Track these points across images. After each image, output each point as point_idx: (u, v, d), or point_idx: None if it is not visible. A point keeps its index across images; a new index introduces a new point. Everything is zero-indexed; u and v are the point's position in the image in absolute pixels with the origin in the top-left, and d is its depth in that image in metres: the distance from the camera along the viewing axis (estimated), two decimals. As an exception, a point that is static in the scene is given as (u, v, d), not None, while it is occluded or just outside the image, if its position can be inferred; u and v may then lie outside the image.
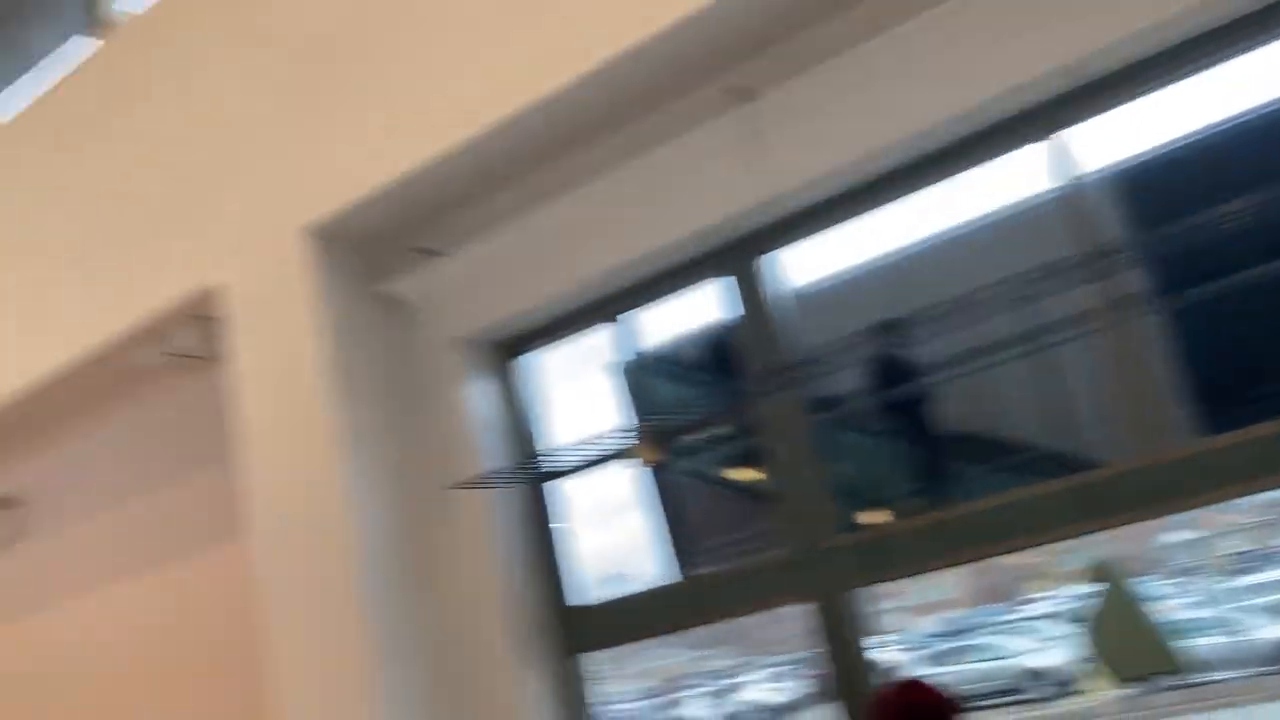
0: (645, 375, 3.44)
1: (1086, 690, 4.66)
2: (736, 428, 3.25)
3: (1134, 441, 2.51)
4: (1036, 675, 5.07)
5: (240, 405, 3.47)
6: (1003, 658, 5.27)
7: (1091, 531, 2.51)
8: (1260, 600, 4.82)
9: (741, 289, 3.09)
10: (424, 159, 3.12)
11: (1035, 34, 2.49)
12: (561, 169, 3.19)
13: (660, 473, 3.34)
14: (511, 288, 3.37)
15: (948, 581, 5.67)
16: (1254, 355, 2.65)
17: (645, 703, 6.32)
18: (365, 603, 2.99)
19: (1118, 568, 2.65)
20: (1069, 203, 2.64)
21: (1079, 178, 2.64)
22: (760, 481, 3.06)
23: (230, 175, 3.63)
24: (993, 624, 5.58)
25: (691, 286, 3.22)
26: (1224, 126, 2.69)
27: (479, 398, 3.43)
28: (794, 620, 2.93)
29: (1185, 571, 4.95)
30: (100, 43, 4.53)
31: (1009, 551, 2.65)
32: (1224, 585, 4.94)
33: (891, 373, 2.92)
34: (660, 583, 3.21)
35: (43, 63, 5.28)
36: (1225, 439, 2.38)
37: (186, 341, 4.01)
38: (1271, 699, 4.44)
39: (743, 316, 3.08)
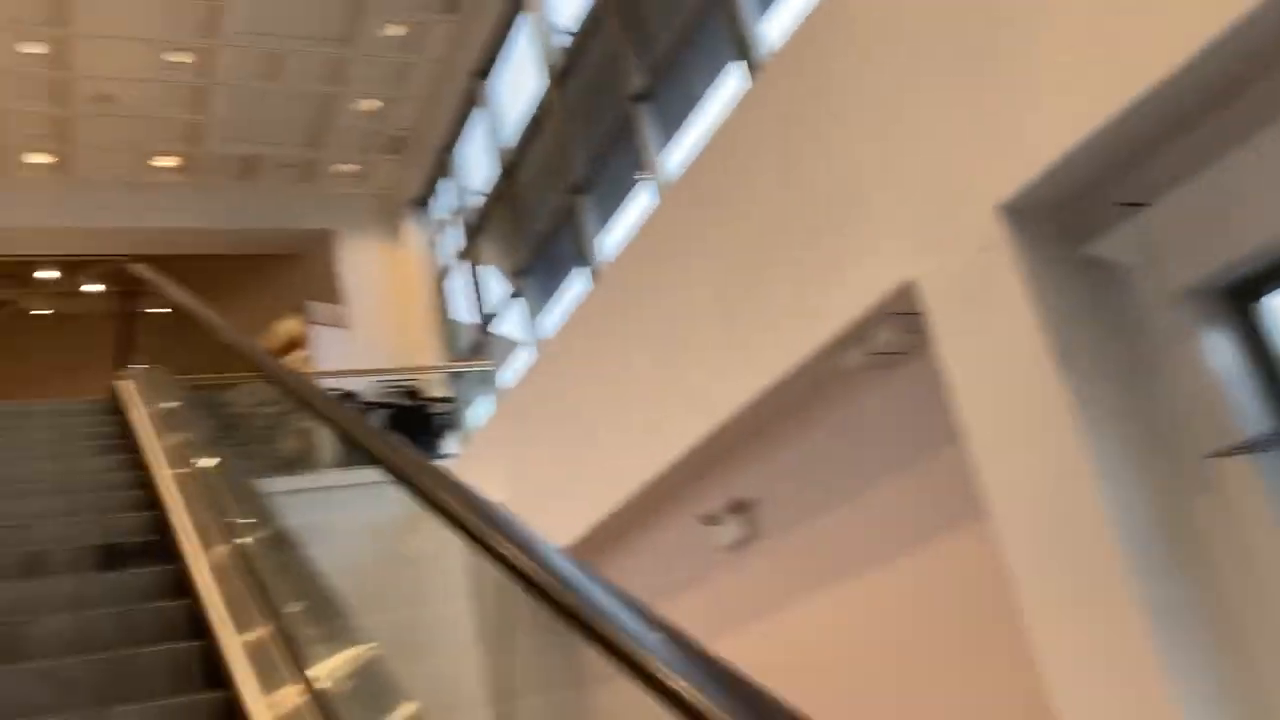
0: None
1: None
2: None
3: None
4: None
5: (958, 393, 3.63)
6: None
7: None
8: None
9: None
10: (1109, 113, 3.01)
11: None
12: (1264, 95, 2.84)
13: None
14: (1233, 227, 3.06)
15: None
16: None
17: None
18: (1132, 582, 2.92)
19: None
20: None
21: None
22: None
23: (910, 172, 3.85)
24: None
25: None
26: None
27: (1216, 353, 3.17)
28: None
29: None
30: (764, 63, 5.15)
31: None
32: None
33: None
34: None
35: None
36: None
37: (887, 338, 4.34)
38: None
39: None
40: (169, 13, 9.33)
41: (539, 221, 9.48)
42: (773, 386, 4.84)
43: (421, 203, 12.50)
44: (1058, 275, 3.36)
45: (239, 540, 3.31)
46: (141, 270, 6.85)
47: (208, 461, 4.37)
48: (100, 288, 13.96)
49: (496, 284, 10.81)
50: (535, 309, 9.46)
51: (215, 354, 10.22)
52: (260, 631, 2.68)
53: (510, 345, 10.45)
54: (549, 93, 8.98)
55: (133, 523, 3.87)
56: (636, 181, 7.89)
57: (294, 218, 12.20)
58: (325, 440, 8.53)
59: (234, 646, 2.66)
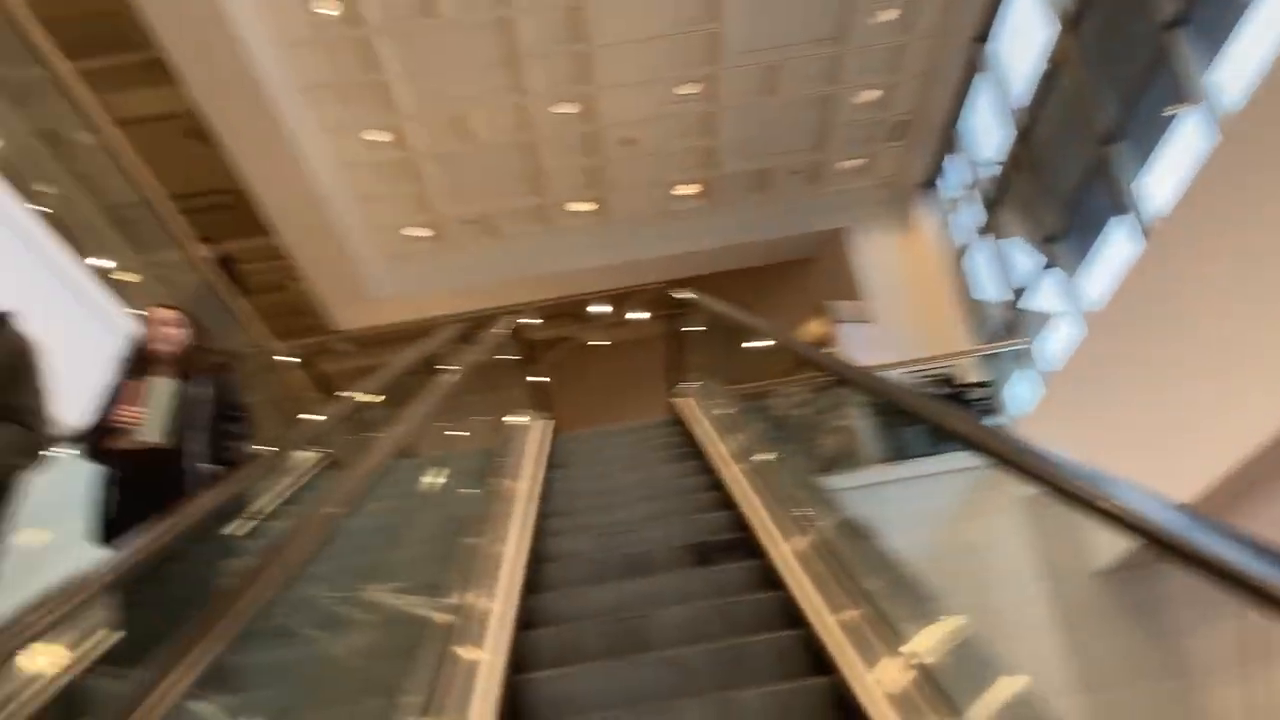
0: None
1: None
2: None
3: None
4: None
5: None
6: None
7: None
8: None
9: None
10: None
11: None
12: None
13: None
14: None
15: None
16: None
17: None
18: None
19: None
20: None
21: None
22: None
23: None
24: None
25: None
26: None
27: None
28: None
29: None
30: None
31: None
32: None
33: None
34: None
35: None
36: None
37: None
38: None
39: None
40: (675, 49, 10.25)
41: (1065, 181, 8.90)
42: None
43: (930, 185, 12.36)
44: None
45: (813, 532, 3.51)
46: (683, 293, 7.55)
47: (768, 461, 4.71)
48: (644, 315, 15.67)
49: (1022, 255, 10.33)
50: (1070, 276, 8.88)
51: (755, 363, 10.98)
52: (853, 615, 2.81)
53: (1045, 318, 9.91)
54: (1061, 40, 8.41)
55: (714, 522, 4.28)
56: (1174, 119, 7.10)
57: (806, 221, 12.71)
58: (868, 436, 8.74)
59: (832, 632, 2.82)
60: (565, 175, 11.86)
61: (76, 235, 6.20)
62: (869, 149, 12.06)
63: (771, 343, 5.94)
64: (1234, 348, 5.27)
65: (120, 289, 6.55)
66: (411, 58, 9.84)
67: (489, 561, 3.64)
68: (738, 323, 6.44)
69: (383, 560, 3.47)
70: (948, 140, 11.47)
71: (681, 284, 8.31)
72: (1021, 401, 9.86)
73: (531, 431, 6.42)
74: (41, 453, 2.67)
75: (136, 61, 9.40)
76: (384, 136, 10.66)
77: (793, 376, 10.57)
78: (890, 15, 10.03)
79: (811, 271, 13.57)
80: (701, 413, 6.46)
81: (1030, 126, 9.42)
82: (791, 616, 3.13)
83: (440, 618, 2.98)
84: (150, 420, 3.51)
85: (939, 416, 2.73)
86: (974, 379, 9.88)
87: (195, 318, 3.86)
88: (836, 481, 5.88)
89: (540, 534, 4.35)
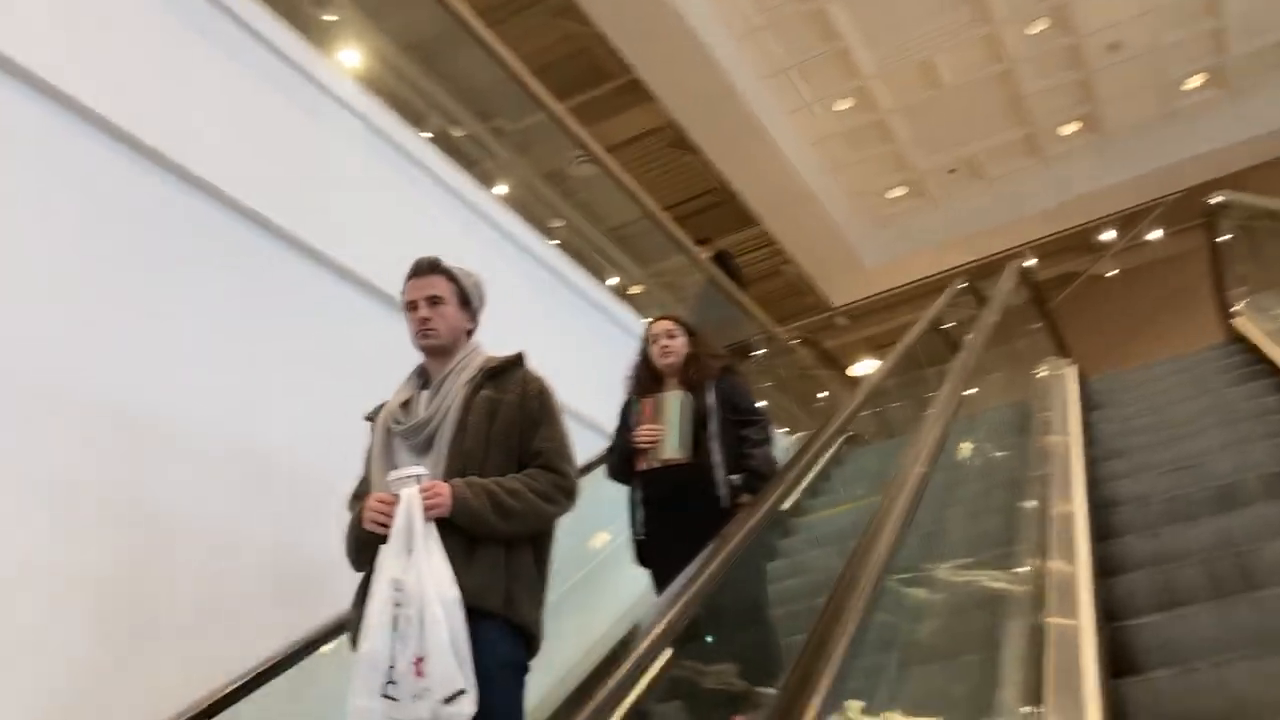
0: None
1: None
2: None
3: None
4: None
5: None
6: None
7: None
8: None
9: None
10: None
11: None
12: None
13: None
14: None
15: None
16: None
17: None
18: None
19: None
20: None
21: None
22: None
23: None
24: None
25: None
26: None
27: None
28: None
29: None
30: None
31: None
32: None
33: None
34: None
35: None
36: None
37: None
38: None
39: None
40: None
41: None
42: None
43: None
44: None
45: None
46: (1220, 195, 6.85)
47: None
48: (1160, 233, 14.33)
49: None
50: None
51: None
52: None
53: None
54: None
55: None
56: None
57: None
58: None
59: None
60: (1049, 98, 11.22)
61: (588, 260, 7.08)
62: None
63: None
64: None
65: (633, 301, 7.37)
66: (865, 16, 9.91)
67: (1049, 521, 3.59)
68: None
69: (942, 536, 3.54)
70: None
71: (1201, 190, 7.54)
72: None
73: (1062, 382, 6.18)
74: (572, 495, 2.62)
75: (614, 88, 10.46)
76: (850, 103, 10.83)
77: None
78: None
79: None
80: (1267, 328, 5.81)
81: None
82: None
83: (1017, 589, 3.02)
84: (669, 436, 3.52)
85: None
86: None
87: (689, 324, 3.86)
88: None
89: (1095, 483, 4.21)
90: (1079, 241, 14.89)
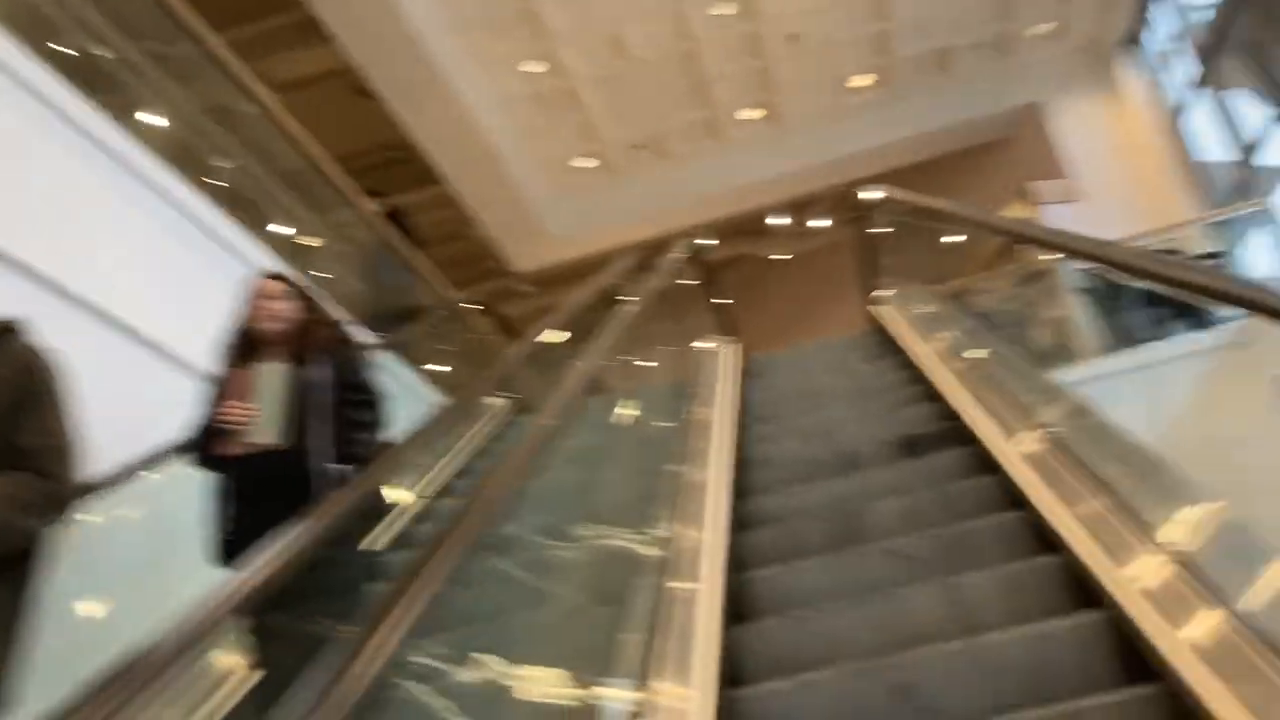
0: None
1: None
2: None
3: None
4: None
5: None
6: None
7: None
8: None
9: None
10: None
11: None
12: None
13: None
14: None
15: None
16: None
17: None
18: None
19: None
20: None
21: None
22: None
23: None
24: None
25: None
26: None
27: None
28: None
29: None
30: None
31: None
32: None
33: None
34: None
35: None
36: None
37: None
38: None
39: None
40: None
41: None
42: None
43: (1133, 41, 11.67)
44: None
45: (1031, 417, 3.56)
46: (871, 191, 7.47)
47: (975, 354, 4.73)
48: (827, 222, 15.56)
49: (1250, 106, 9.67)
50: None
51: (954, 257, 10.78)
52: (1083, 494, 2.87)
53: (1283, 174, 9.29)
54: None
55: (921, 414, 4.38)
56: None
57: (996, 99, 12.26)
58: (1086, 325, 8.51)
59: (1058, 511, 2.89)
60: (731, 82, 11.85)
61: (258, 205, 6.70)
62: (1061, 9, 11.47)
63: (974, 229, 5.81)
64: None
65: (304, 254, 7.06)
66: (559, -22, 10.02)
67: (694, 488, 3.83)
68: (936, 213, 6.35)
69: (585, 494, 3.67)
70: (1152, -13, 10.80)
71: (864, 184, 8.22)
72: (1262, 270, 9.31)
73: (720, 357, 6.59)
74: (65, 505, 2.16)
75: (291, 23, 9.95)
76: (540, 66, 10.93)
77: (997, 267, 10.36)
78: None
79: (1006, 154, 13.11)
80: (902, 317, 6.45)
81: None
82: (1012, 499, 3.22)
83: (652, 544, 3.20)
84: (263, 416, 3.06)
85: (1194, 276, 2.61)
86: (1203, 250, 9.41)
87: (303, 287, 3.40)
88: (1055, 377, 5.79)
89: (742, 446, 4.54)
90: (754, 225, 15.92)
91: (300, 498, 2.71)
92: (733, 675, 2.77)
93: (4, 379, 2.12)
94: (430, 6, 9.79)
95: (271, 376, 3.12)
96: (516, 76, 11.02)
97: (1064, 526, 2.82)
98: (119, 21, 5.57)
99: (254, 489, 3.03)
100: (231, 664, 3.25)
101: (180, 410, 3.29)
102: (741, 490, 3.97)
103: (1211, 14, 9.78)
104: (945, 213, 6.25)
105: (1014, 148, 12.92)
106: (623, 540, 3.25)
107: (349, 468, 3.02)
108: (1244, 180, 9.73)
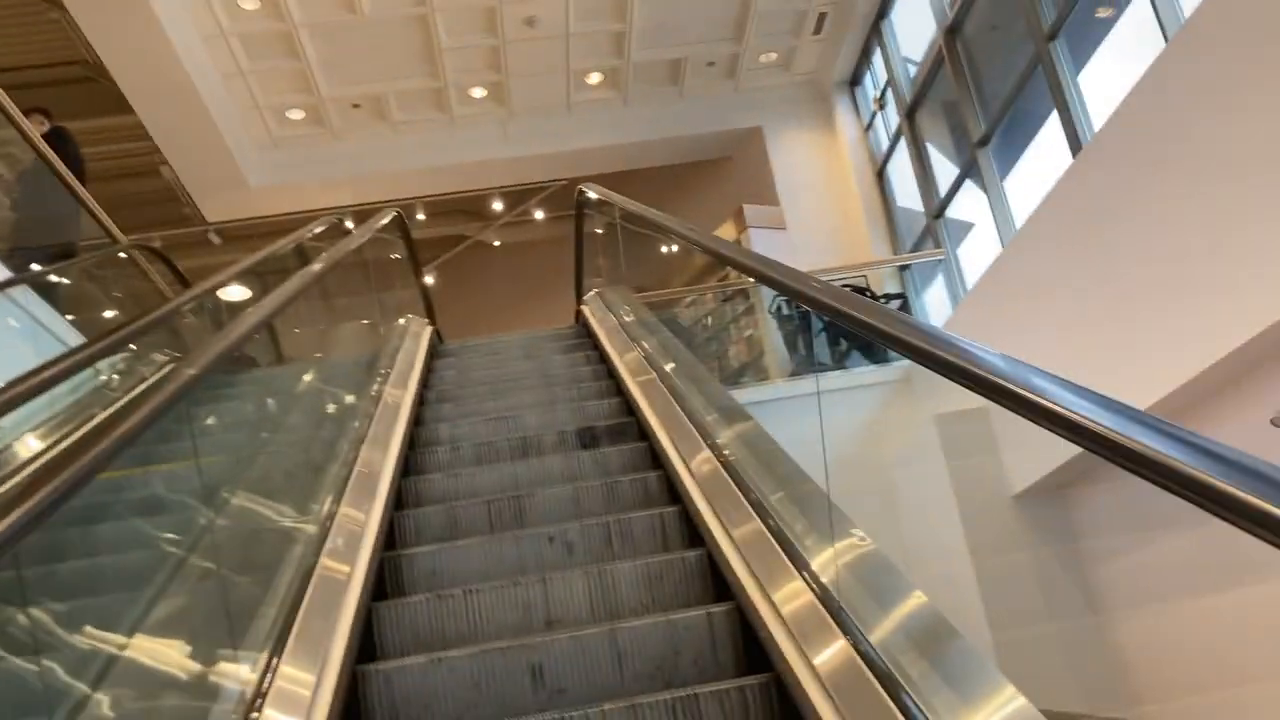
0: None
1: None
2: None
3: None
4: None
5: None
6: None
7: None
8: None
9: None
10: None
11: None
12: None
13: None
14: None
15: None
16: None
17: None
18: None
19: None
20: None
21: None
22: None
23: None
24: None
25: None
26: None
27: None
28: None
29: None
30: None
31: None
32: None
33: None
34: None
35: None
36: None
37: None
38: None
39: None
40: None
41: (996, 83, 9.22)
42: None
43: (853, 83, 12.61)
44: None
45: (701, 424, 3.80)
46: (591, 189, 7.63)
47: (672, 369, 4.98)
48: (549, 215, 15.77)
49: (945, 161, 10.69)
50: (995, 184, 9.26)
51: (666, 267, 11.15)
52: (730, 498, 3.10)
53: (965, 228, 10.32)
54: (991, -71, 8.64)
55: (604, 409, 4.58)
56: (1108, 20, 7.42)
57: (721, 118, 12.87)
58: (776, 347, 9.11)
59: (704, 510, 3.11)
60: (464, 56, 11.76)
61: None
62: (788, 42, 12.22)
63: (679, 241, 6.07)
64: (1163, 267, 5.50)
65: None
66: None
67: (361, 464, 3.81)
68: (645, 221, 6.59)
69: (242, 464, 3.57)
70: (872, 36, 11.70)
71: (586, 182, 8.39)
72: (934, 315, 10.31)
73: (416, 336, 6.56)
74: None
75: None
76: (253, 3, 10.43)
77: (705, 283, 10.87)
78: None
79: (729, 173, 13.80)
80: (606, 317, 6.65)
81: (959, 22, 9.70)
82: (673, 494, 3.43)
83: (308, 520, 3.17)
84: None
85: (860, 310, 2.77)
86: (886, 290, 10.31)
87: None
88: (741, 395, 6.16)
89: (420, 423, 4.55)
90: (472, 206, 15.89)
91: None
92: (372, 652, 2.79)
93: None
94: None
95: None
96: (228, 10, 10.45)
97: (707, 524, 3.04)
98: None
99: None
100: None
101: None
102: (412, 469, 3.98)
103: (920, 69, 10.73)
104: (652, 221, 6.50)
105: (736, 169, 13.63)
106: (275, 512, 3.19)
107: None
108: (930, 229, 10.74)
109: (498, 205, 15.45)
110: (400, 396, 4.92)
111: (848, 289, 7.65)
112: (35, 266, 6.32)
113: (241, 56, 10.94)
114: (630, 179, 14.09)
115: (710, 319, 10.52)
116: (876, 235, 11.95)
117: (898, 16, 11.34)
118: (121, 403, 2.38)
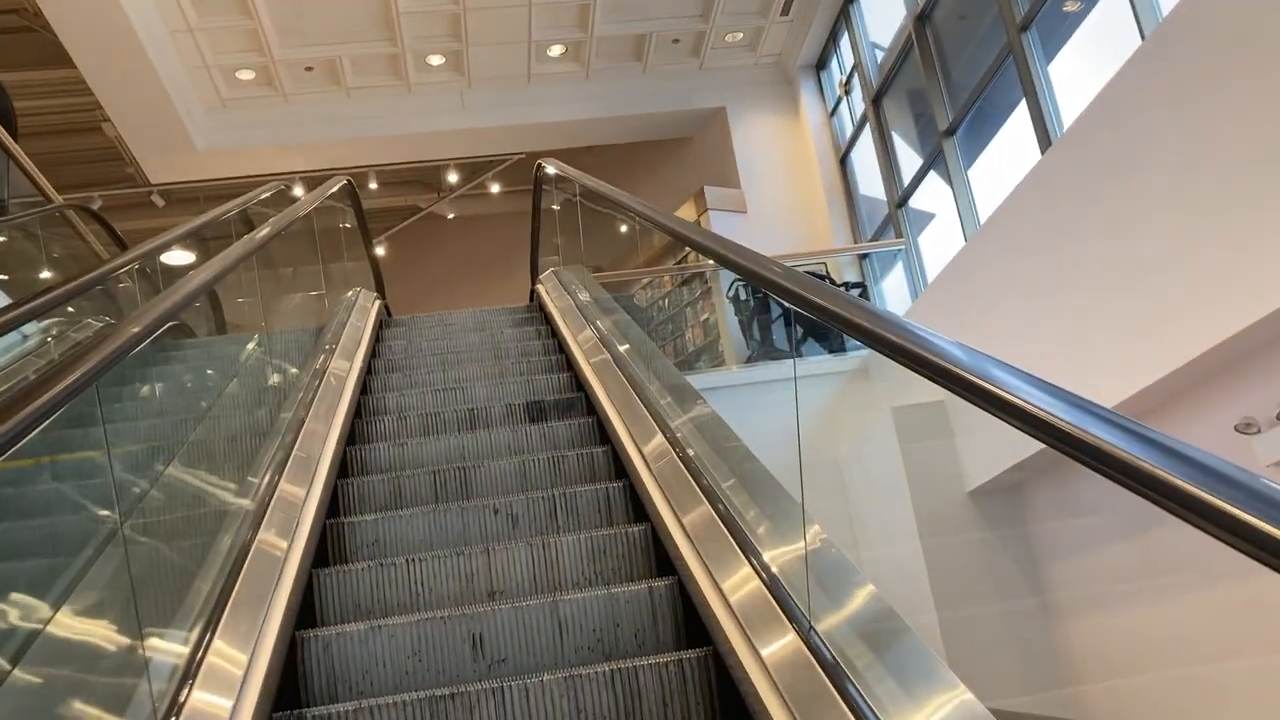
0: None
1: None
2: None
3: None
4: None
5: None
6: None
7: None
8: None
9: None
10: None
11: None
12: None
13: None
14: None
15: None
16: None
17: None
18: None
19: None
20: None
21: None
22: None
23: None
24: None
25: None
26: None
27: None
28: None
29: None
30: None
31: None
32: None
33: None
34: None
35: None
36: None
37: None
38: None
39: None
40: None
41: (964, 73, 9.36)
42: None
43: (820, 67, 12.72)
44: None
45: (651, 405, 3.88)
46: (551, 164, 7.65)
47: (627, 351, 5.05)
48: (507, 189, 15.76)
49: (909, 149, 10.83)
50: (961, 174, 9.40)
51: (624, 246, 11.20)
52: (675, 477, 3.19)
53: (926, 218, 10.48)
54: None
55: (554, 384, 4.66)
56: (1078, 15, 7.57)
57: (685, 98, 12.93)
58: (732, 333, 9.22)
59: (650, 486, 3.20)
60: (422, 21, 11.72)
61: None
62: (755, 22, 12.30)
63: (645, 222, 6.12)
64: (1132, 268, 5.57)
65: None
66: None
67: (305, 433, 3.85)
68: (603, 198, 6.62)
69: (174, 429, 3.59)
70: (841, 19, 11.81)
71: (545, 156, 8.39)
72: (892, 305, 10.46)
73: (365, 310, 6.58)
74: None
75: None
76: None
77: (663, 265, 10.95)
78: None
79: (690, 154, 13.87)
80: (561, 295, 6.70)
81: (929, 9, 9.82)
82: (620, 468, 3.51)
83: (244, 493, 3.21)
84: None
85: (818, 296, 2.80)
86: (846, 279, 10.45)
87: None
88: (696, 381, 6.25)
89: (368, 392, 4.60)
90: (427, 177, 15.84)
91: None
92: (312, 620, 2.84)
93: None
94: None
95: None
96: (180, -38, 10.35)
97: (654, 501, 3.12)
98: None
99: None
100: None
101: None
102: (358, 438, 4.03)
103: (889, 55, 10.86)
104: (613, 199, 6.54)
105: (697, 150, 13.70)
106: (212, 482, 3.23)
107: None
108: (892, 218, 10.89)
109: (453, 177, 15.41)
110: (346, 368, 4.96)
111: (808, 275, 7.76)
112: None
113: (190, 12, 10.82)
114: (589, 156, 14.13)
115: (667, 302, 10.62)
116: (838, 222, 12.08)
117: (867, 1, 11.45)
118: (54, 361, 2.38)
